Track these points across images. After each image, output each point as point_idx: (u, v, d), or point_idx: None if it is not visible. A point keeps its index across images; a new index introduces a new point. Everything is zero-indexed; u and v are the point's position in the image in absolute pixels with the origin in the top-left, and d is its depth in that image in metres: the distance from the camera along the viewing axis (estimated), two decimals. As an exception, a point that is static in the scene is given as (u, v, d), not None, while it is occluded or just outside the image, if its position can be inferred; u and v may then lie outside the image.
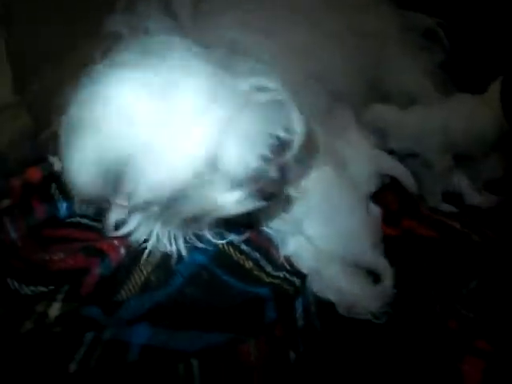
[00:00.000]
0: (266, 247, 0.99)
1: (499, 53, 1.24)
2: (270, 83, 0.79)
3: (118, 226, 0.92)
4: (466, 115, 1.09)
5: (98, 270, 0.90)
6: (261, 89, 0.78)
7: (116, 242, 0.93)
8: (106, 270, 0.91)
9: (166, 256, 0.92)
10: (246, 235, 0.97)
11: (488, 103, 1.08)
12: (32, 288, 0.88)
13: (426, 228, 1.08)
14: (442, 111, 1.09)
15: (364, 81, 1.09)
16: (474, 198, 1.15)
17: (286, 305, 0.94)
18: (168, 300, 0.90)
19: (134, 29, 0.98)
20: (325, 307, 0.95)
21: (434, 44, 1.20)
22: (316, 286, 0.96)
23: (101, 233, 0.95)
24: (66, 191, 0.97)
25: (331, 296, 0.95)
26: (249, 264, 0.95)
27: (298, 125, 0.81)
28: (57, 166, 1.00)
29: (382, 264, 0.98)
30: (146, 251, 0.92)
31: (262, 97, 0.78)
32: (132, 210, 0.88)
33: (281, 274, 0.97)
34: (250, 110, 0.76)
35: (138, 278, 0.91)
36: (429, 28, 1.22)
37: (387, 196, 1.13)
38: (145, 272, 0.92)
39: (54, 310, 0.86)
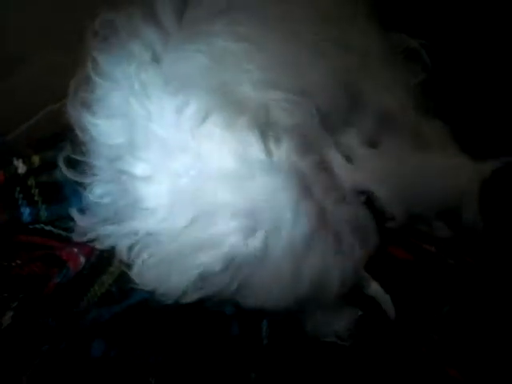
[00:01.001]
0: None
1: (481, 74, 1.25)
2: None
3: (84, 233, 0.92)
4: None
5: (56, 279, 0.88)
6: None
7: (76, 250, 0.90)
8: (65, 279, 0.88)
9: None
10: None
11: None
12: (-15, 294, 0.85)
13: (401, 250, 1.06)
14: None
15: (345, 97, 1.08)
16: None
17: (251, 322, 0.91)
18: (127, 313, 0.87)
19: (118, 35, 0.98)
20: (291, 327, 0.92)
21: (416, 64, 1.20)
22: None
23: (64, 240, 0.93)
24: (30, 195, 0.95)
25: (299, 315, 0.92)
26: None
27: None
28: (21, 169, 0.98)
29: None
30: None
31: None
32: None
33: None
34: None
35: (97, 289, 0.89)
36: (411, 48, 1.20)
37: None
38: (106, 283, 0.90)
39: (7, 318, 0.83)
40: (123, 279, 0.90)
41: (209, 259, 0.80)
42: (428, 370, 0.90)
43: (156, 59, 0.93)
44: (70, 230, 0.97)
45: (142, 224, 0.85)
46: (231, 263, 0.79)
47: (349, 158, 1.08)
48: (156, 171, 0.85)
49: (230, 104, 0.90)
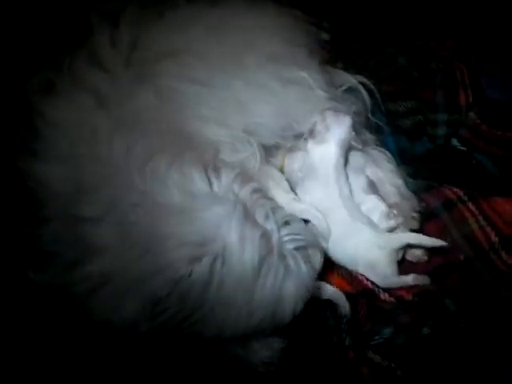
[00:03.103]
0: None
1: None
2: None
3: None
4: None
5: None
6: None
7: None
8: None
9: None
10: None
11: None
12: None
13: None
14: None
15: (283, 127, 1.13)
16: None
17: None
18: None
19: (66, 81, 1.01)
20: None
21: (357, 100, 1.26)
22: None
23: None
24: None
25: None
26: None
27: None
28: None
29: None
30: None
31: None
32: None
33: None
34: None
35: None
36: (351, 86, 1.27)
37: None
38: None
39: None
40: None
41: (155, 284, 0.81)
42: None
43: (103, 103, 0.96)
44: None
45: (96, 266, 0.86)
46: (176, 289, 0.81)
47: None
48: (105, 212, 0.87)
49: (176, 142, 0.94)
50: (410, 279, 1.07)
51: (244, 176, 0.92)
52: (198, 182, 0.87)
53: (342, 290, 1.06)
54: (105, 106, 0.95)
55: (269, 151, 1.14)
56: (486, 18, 1.49)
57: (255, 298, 0.84)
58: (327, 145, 1.14)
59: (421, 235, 1.10)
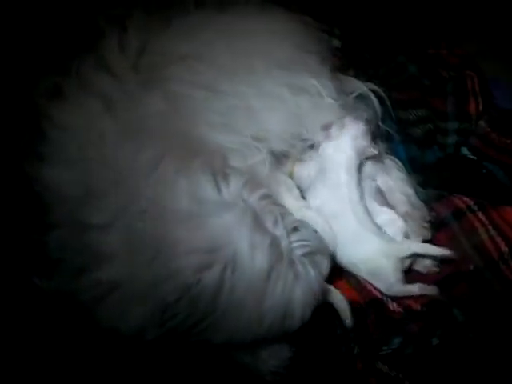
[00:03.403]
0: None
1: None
2: None
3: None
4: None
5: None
6: None
7: None
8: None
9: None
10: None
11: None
12: None
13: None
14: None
15: (292, 134, 1.13)
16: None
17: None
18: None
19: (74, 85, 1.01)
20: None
21: (367, 107, 1.25)
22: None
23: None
24: None
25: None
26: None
27: None
28: None
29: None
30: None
31: None
32: None
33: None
34: None
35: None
36: (361, 94, 1.26)
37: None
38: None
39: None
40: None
41: (164, 290, 0.81)
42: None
43: (110, 107, 0.95)
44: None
45: (104, 273, 0.86)
46: (186, 295, 0.80)
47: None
48: (113, 219, 0.87)
49: (184, 148, 0.93)
50: (415, 289, 1.06)
51: (253, 182, 0.92)
52: (207, 188, 0.86)
53: (350, 298, 1.05)
54: (112, 111, 0.95)
55: (278, 158, 1.13)
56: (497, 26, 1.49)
57: (265, 304, 0.84)
58: (341, 147, 1.14)
59: (428, 245, 1.09)
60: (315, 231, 1.00)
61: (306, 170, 1.17)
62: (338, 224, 1.08)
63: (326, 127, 1.16)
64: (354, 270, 1.09)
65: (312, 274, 0.88)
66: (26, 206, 0.97)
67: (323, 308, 0.95)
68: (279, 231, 0.87)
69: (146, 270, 0.83)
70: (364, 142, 1.15)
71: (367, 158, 1.17)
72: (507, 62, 1.46)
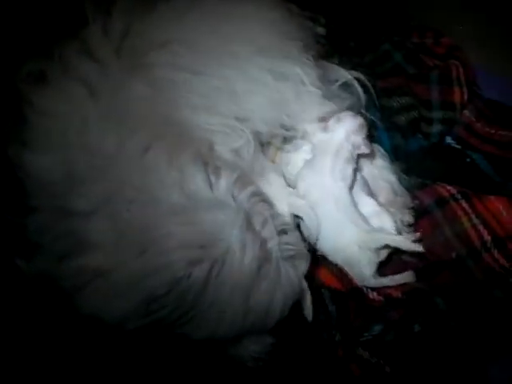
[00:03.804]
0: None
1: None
2: None
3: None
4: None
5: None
6: None
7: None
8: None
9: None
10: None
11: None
12: None
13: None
14: None
15: (274, 118, 1.13)
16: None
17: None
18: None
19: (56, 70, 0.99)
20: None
21: (351, 95, 1.25)
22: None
23: None
24: None
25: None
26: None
27: None
28: None
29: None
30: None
31: None
32: None
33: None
34: None
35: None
36: (346, 82, 1.26)
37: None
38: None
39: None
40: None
41: (153, 283, 0.80)
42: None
43: (93, 93, 0.94)
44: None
45: (86, 261, 0.85)
46: (175, 289, 0.80)
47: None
48: (97, 206, 0.86)
49: (170, 134, 0.93)
50: (388, 281, 1.06)
51: (243, 178, 0.92)
52: (199, 182, 0.86)
53: (332, 287, 1.06)
54: (96, 96, 0.94)
55: (261, 146, 1.13)
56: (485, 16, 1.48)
57: (250, 302, 0.84)
58: (333, 134, 1.14)
59: (400, 238, 1.08)
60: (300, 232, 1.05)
61: (292, 159, 1.17)
62: (320, 211, 1.08)
63: (324, 119, 1.16)
64: (333, 259, 1.09)
65: (292, 274, 0.89)
66: (8, 188, 0.96)
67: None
68: (268, 232, 0.88)
69: (134, 261, 0.82)
70: (359, 137, 1.14)
71: (359, 155, 1.16)
72: (492, 51, 1.46)
